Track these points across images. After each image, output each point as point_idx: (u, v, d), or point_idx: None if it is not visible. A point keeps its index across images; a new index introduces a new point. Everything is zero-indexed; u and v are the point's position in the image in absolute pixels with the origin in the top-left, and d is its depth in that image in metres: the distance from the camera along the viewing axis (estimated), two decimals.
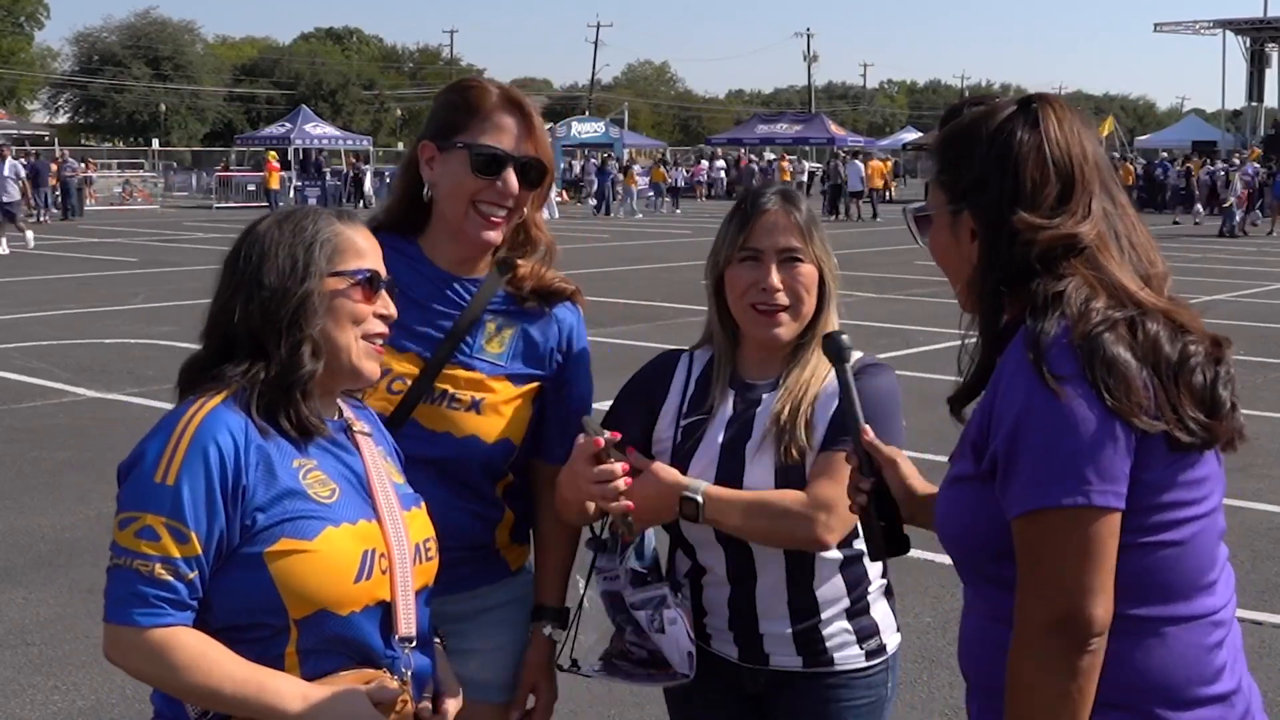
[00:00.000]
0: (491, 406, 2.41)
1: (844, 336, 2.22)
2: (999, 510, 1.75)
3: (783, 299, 2.44)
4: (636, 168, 42.97)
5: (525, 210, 2.45)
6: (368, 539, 1.99)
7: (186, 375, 2.03)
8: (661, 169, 43.20)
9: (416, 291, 2.40)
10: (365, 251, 2.07)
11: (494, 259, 2.49)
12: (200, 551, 1.87)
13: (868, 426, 2.13)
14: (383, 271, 2.08)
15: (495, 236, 2.41)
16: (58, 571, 5.99)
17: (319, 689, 1.92)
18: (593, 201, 40.22)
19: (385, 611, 2.00)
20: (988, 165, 1.81)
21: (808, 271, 2.46)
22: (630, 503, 2.29)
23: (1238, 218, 30.55)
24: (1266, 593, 5.86)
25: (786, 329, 2.46)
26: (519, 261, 2.48)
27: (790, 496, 2.36)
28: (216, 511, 1.89)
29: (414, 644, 2.04)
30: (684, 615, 2.43)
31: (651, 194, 41.65)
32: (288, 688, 1.90)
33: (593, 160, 45.72)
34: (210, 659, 1.87)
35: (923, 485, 2.14)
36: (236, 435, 1.92)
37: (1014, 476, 1.71)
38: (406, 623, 2.02)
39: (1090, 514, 1.68)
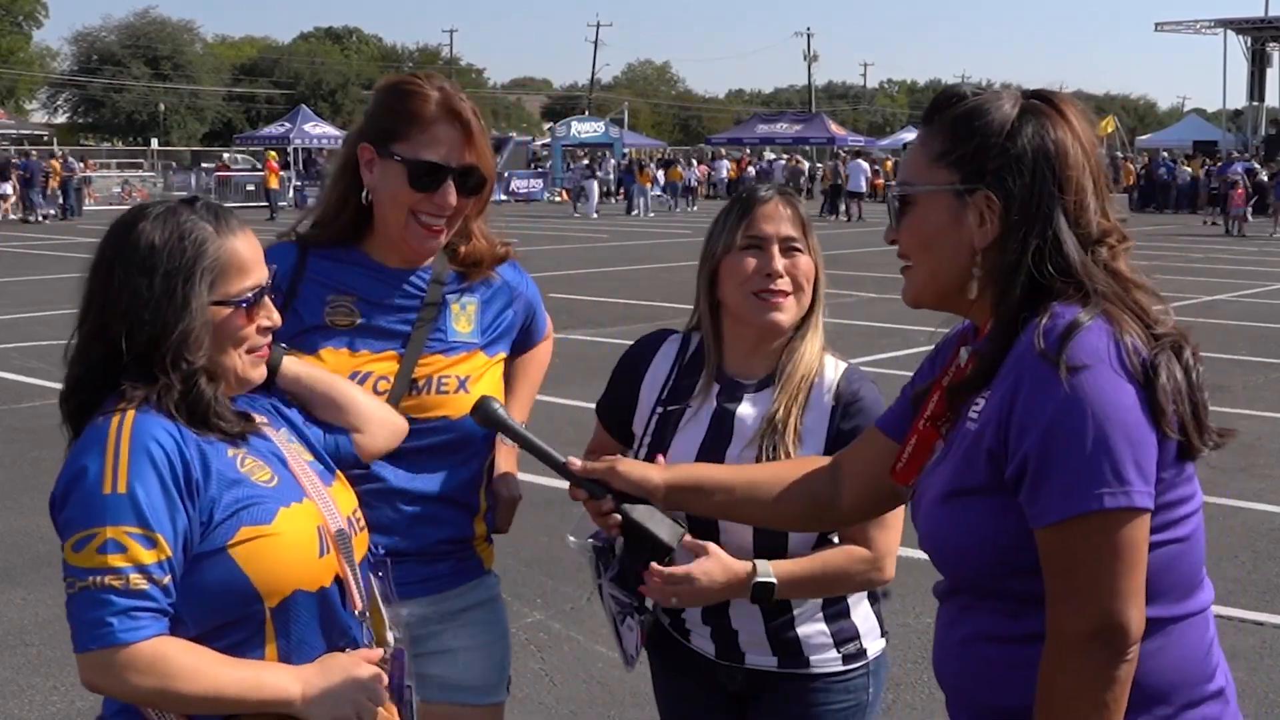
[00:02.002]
0: (476, 381, 2.47)
1: (493, 404, 2.22)
2: (1021, 521, 1.71)
3: (786, 285, 2.46)
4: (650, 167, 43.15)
5: (469, 216, 2.46)
6: (314, 516, 1.98)
7: (76, 400, 1.95)
8: (677, 168, 43.40)
9: (376, 294, 2.43)
10: (247, 265, 1.98)
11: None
12: (171, 553, 1.83)
13: (571, 459, 2.16)
14: (265, 277, 2.01)
15: (436, 245, 2.44)
16: (57, 572, 5.89)
17: (312, 669, 1.91)
18: (621, 201, 40.27)
19: (339, 586, 2.00)
20: (1024, 149, 1.78)
21: (806, 263, 2.49)
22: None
23: None
24: (1267, 593, 5.85)
25: (788, 315, 2.47)
26: (461, 246, 2.52)
27: (849, 555, 2.38)
28: (177, 509, 1.84)
29: (367, 618, 2.04)
30: (640, 631, 2.49)
31: (666, 194, 41.80)
32: (285, 676, 1.89)
33: (613, 161, 45.85)
34: (204, 663, 1.84)
35: (658, 471, 2.15)
36: (172, 433, 1.88)
37: (1047, 481, 1.66)
38: (360, 596, 2.02)
39: (1129, 515, 1.65)
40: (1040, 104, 1.82)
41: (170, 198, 2.08)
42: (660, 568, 2.20)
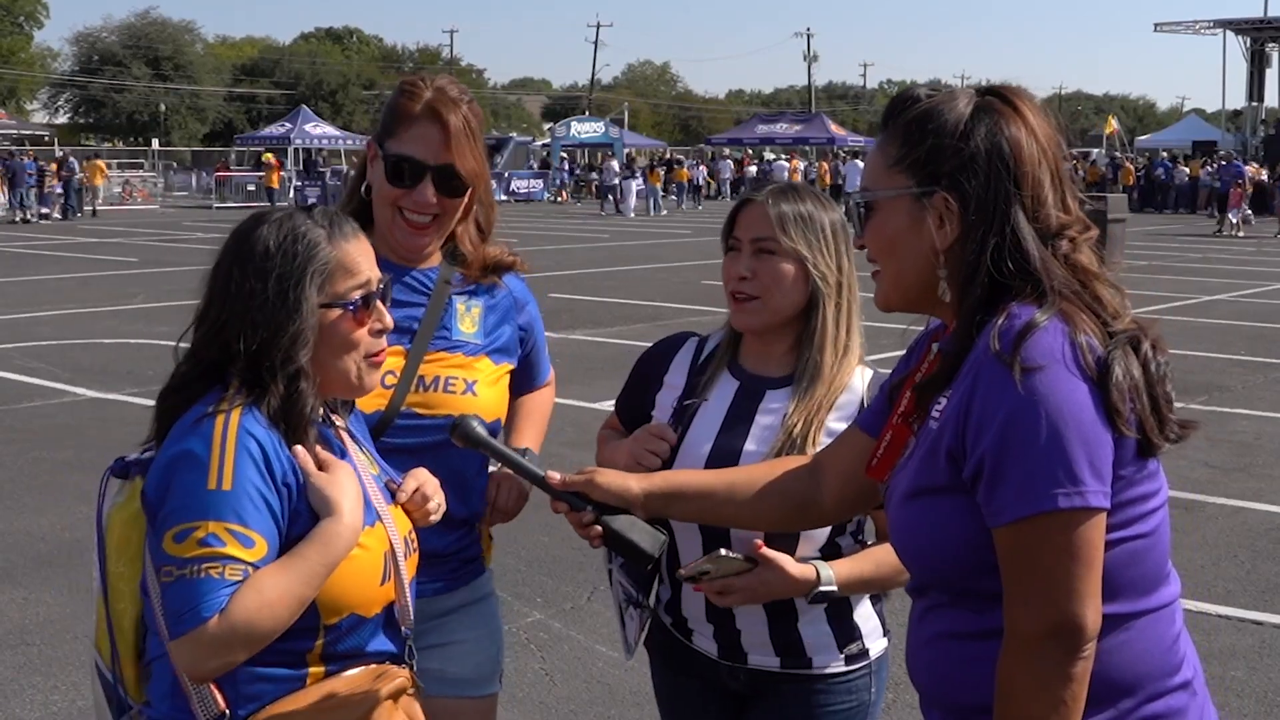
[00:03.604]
0: (484, 386, 2.50)
1: (471, 421, 2.20)
2: (983, 520, 1.71)
3: (749, 288, 2.43)
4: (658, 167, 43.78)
5: (459, 218, 2.48)
6: (383, 540, 2.00)
7: (178, 397, 1.97)
8: (685, 169, 44.09)
9: None
10: (357, 266, 2.02)
11: (442, 248, 2.55)
12: (266, 554, 1.85)
13: (550, 472, 2.17)
14: (375, 279, 2.05)
15: (422, 243, 2.46)
16: (57, 571, 5.98)
17: (326, 525, 1.90)
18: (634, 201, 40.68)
19: (390, 609, 2.03)
20: (977, 148, 1.77)
21: (780, 263, 2.43)
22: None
23: None
24: (1267, 593, 5.85)
25: (754, 318, 2.45)
26: (464, 250, 2.55)
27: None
28: (275, 510, 1.87)
29: (411, 634, 2.07)
30: (640, 623, 2.50)
31: (673, 194, 42.25)
32: (314, 547, 1.87)
33: (634, 163, 46.16)
34: (271, 583, 1.83)
35: (637, 481, 2.15)
36: (272, 434, 1.91)
37: (1003, 481, 1.67)
38: (408, 617, 2.05)
39: (1084, 515, 1.65)
40: (994, 101, 1.81)
41: (287, 205, 2.13)
42: (714, 582, 2.23)
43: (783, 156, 49.94)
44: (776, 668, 2.46)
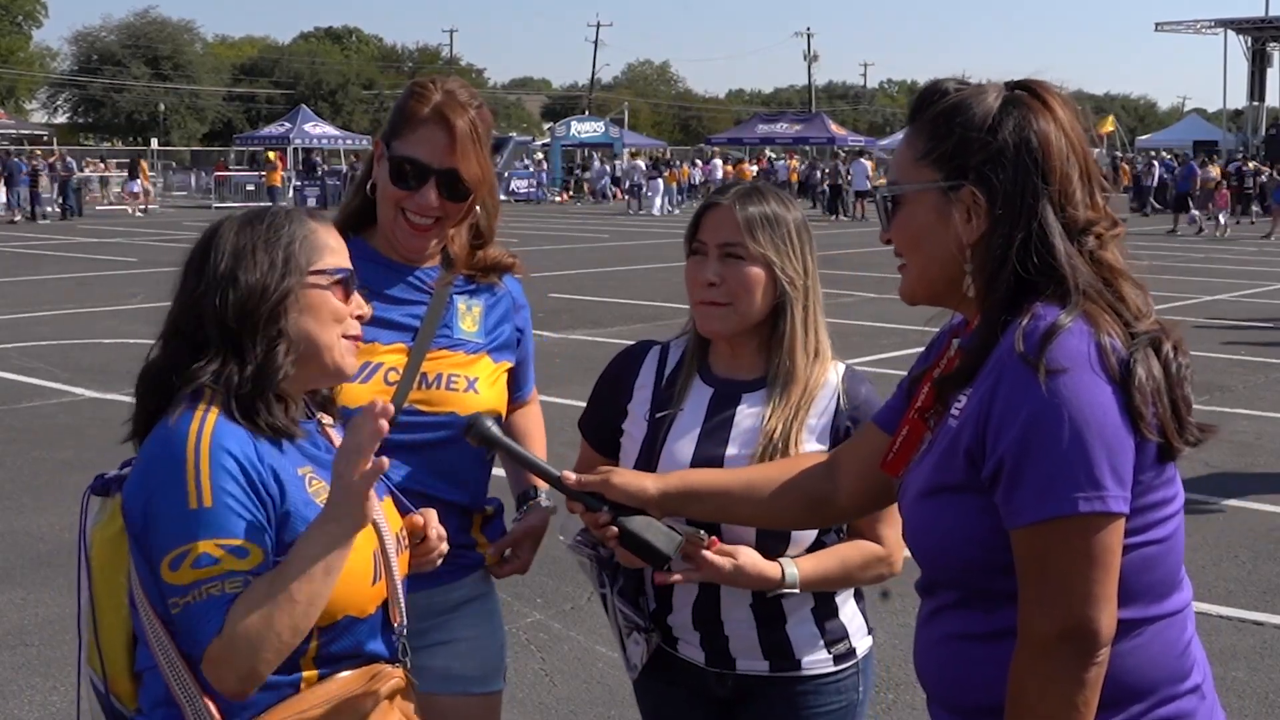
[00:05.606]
0: (486, 385, 2.51)
1: (486, 421, 2.19)
2: (998, 520, 1.70)
3: (717, 294, 2.39)
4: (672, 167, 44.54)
5: (459, 220, 2.49)
6: (370, 540, 1.97)
7: (150, 381, 1.95)
8: (686, 167, 45.00)
9: (384, 286, 2.46)
10: (339, 251, 2.03)
11: (441, 249, 2.56)
12: (261, 561, 1.83)
13: (565, 472, 2.15)
14: (349, 266, 2.05)
15: (423, 244, 2.47)
16: (57, 572, 5.98)
17: (320, 523, 1.85)
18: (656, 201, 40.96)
19: (384, 609, 2.01)
20: (1005, 142, 1.76)
21: (748, 268, 2.39)
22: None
23: None
24: (1267, 593, 5.85)
25: (722, 324, 2.41)
26: (456, 249, 2.57)
27: (862, 551, 2.39)
28: (261, 520, 1.85)
29: (404, 630, 2.05)
30: (646, 647, 2.49)
31: (677, 193, 42.75)
32: (309, 542, 1.82)
33: (642, 162, 46.46)
34: (258, 584, 1.80)
35: (652, 480, 2.15)
36: (246, 445, 1.87)
37: (1023, 483, 1.66)
38: (400, 612, 2.03)
39: (1103, 520, 1.65)
40: (1023, 95, 1.80)
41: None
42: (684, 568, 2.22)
43: (782, 157, 50.04)
44: (765, 671, 2.44)
